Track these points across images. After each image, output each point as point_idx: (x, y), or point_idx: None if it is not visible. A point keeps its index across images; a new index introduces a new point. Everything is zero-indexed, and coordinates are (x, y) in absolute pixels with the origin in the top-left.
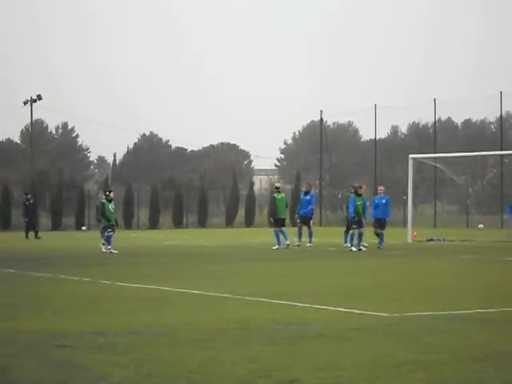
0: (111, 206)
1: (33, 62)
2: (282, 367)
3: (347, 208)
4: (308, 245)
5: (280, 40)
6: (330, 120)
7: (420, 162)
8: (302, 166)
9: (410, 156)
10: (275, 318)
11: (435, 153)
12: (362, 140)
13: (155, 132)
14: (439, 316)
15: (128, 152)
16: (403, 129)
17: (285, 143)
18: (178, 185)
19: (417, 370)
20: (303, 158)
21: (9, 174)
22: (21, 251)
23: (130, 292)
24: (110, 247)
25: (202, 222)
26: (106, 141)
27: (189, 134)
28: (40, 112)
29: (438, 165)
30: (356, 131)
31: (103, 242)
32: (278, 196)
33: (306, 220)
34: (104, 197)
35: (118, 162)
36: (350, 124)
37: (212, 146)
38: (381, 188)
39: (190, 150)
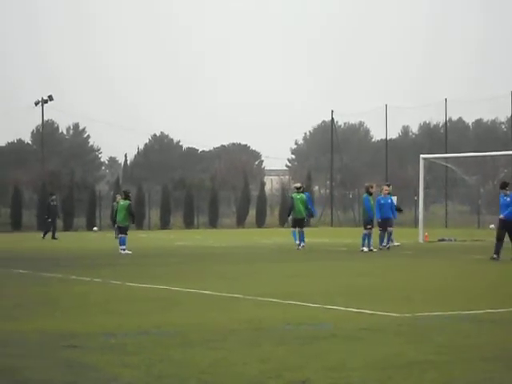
0: None
1: (44, 62)
2: (293, 367)
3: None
4: (301, 245)
5: (290, 41)
6: (340, 120)
7: (431, 162)
8: (312, 167)
9: (421, 156)
10: (286, 318)
11: (446, 153)
12: (373, 140)
13: (166, 132)
14: (450, 316)
15: (139, 152)
16: (414, 129)
17: (296, 143)
18: (189, 185)
19: (427, 369)
20: (314, 158)
21: (20, 174)
22: (31, 252)
23: (140, 292)
24: (124, 247)
25: (213, 223)
26: (117, 141)
27: (200, 134)
28: (51, 113)
29: (449, 165)
30: (367, 131)
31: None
32: (297, 196)
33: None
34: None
35: (129, 162)
36: (360, 124)
37: (223, 146)
38: (385, 188)
39: (200, 150)
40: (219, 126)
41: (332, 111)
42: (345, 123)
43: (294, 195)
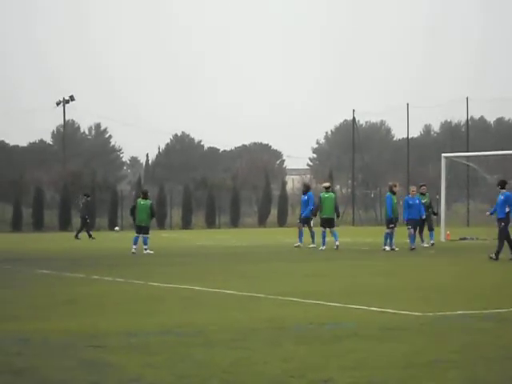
0: None
1: (65, 63)
2: (315, 367)
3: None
4: (311, 245)
5: (314, 41)
6: (362, 119)
7: (452, 160)
8: (334, 166)
9: (443, 155)
10: (308, 317)
11: (468, 151)
12: (395, 139)
13: (187, 132)
14: (472, 315)
15: (160, 152)
16: (436, 127)
17: (317, 143)
18: (211, 185)
19: (450, 368)
20: (335, 157)
21: (41, 175)
22: (54, 252)
23: (162, 292)
24: (146, 247)
25: (235, 222)
26: (139, 141)
27: (221, 134)
28: (72, 113)
29: (470, 163)
30: (388, 130)
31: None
32: (326, 195)
33: (305, 221)
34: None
35: (150, 162)
36: (382, 123)
37: (244, 145)
38: (413, 189)
39: (222, 150)
40: (241, 125)
41: (353, 110)
42: (366, 122)
43: (323, 194)
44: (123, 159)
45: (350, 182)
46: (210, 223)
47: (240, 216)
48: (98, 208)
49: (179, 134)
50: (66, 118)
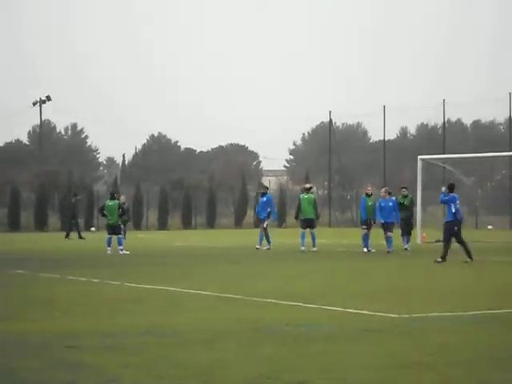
0: None
1: (42, 62)
2: (292, 368)
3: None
4: (264, 247)
5: (289, 42)
6: (338, 121)
7: (429, 163)
8: (310, 167)
9: (419, 157)
10: (284, 319)
11: (444, 154)
12: (371, 141)
13: (164, 133)
14: (448, 317)
15: (137, 153)
16: (412, 130)
17: (294, 144)
18: (187, 186)
19: (425, 371)
20: (312, 158)
21: (17, 175)
22: (29, 252)
23: (139, 293)
24: (120, 247)
25: (211, 223)
26: (115, 142)
27: (197, 135)
28: (48, 113)
29: (446, 166)
30: (365, 132)
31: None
32: (305, 196)
33: (260, 221)
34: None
35: (126, 162)
36: (358, 125)
37: (221, 146)
38: (382, 190)
39: (198, 150)
40: (217, 126)
41: (330, 112)
42: (343, 124)
43: (302, 196)
44: (99, 159)
45: (326, 183)
46: (187, 224)
47: (216, 217)
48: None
49: (156, 135)
50: (43, 118)
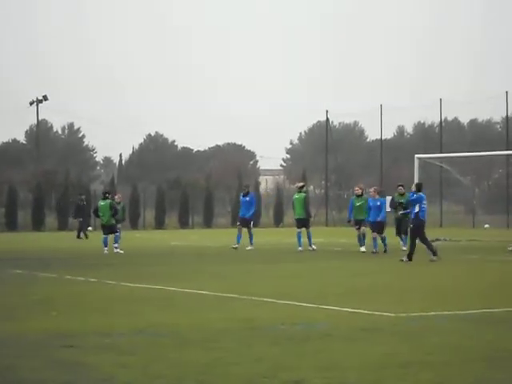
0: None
1: (38, 62)
2: (288, 367)
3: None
4: (248, 247)
5: (285, 39)
6: (335, 120)
7: (426, 162)
8: (307, 166)
9: (416, 156)
10: (281, 318)
11: (441, 153)
12: (368, 140)
13: (161, 132)
14: (445, 316)
15: (134, 152)
16: (409, 129)
17: (291, 143)
18: (184, 185)
19: (422, 370)
20: (309, 158)
21: (14, 174)
22: (26, 252)
23: (135, 292)
24: (115, 245)
25: (208, 223)
26: (112, 141)
27: (195, 134)
28: (45, 113)
29: (443, 165)
30: (362, 131)
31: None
32: (296, 196)
33: (245, 222)
34: (103, 197)
35: (123, 162)
36: (355, 124)
37: (218, 146)
38: (371, 190)
39: (195, 150)
40: (214, 125)
41: (327, 111)
42: (340, 123)
43: (294, 195)
44: (96, 159)
45: (323, 182)
46: (183, 223)
47: (213, 216)
48: (70, 208)
49: (153, 134)
50: (40, 118)
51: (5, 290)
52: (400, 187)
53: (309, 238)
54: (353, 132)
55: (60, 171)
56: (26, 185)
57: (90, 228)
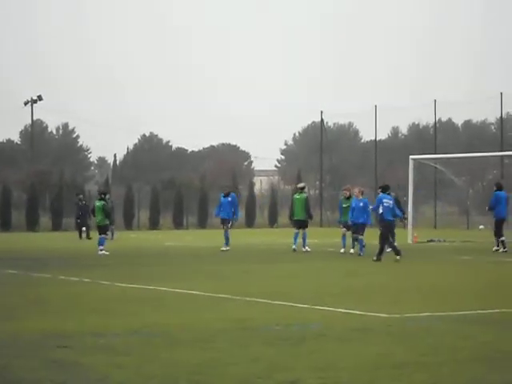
0: None
1: (33, 62)
2: (283, 368)
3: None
4: (222, 248)
5: (281, 40)
6: (330, 121)
7: (420, 162)
8: (302, 167)
9: (411, 157)
10: (275, 318)
11: (435, 154)
12: (363, 141)
13: (155, 133)
14: (439, 317)
15: (128, 153)
16: (403, 130)
17: (285, 144)
18: (179, 185)
19: (417, 370)
20: (303, 158)
21: (9, 174)
22: (20, 252)
23: (129, 293)
24: (102, 248)
25: (202, 223)
26: (107, 141)
27: (189, 134)
28: (40, 113)
29: (438, 166)
30: (356, 132)
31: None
32: (297, 196)
33: (225, 222)
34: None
35: (118, 162)
36: (350, 125)
37: (212, 146)
38: (355, 190)
39: (190, 150)
40: (208, 126)
41: (321, 112)
42: (334, 124)
43: (294, 196)
44: (91, 159)
45: (317, 183)
46: (178, 224)
47: (208, 217)
48: (65, 208)
49: (147, 135)
50: (34, 118)
51: None
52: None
53: (304, 239)
54: (347, 133)
55: (54, 171)
56: (21, 185)
57: (84, 229)
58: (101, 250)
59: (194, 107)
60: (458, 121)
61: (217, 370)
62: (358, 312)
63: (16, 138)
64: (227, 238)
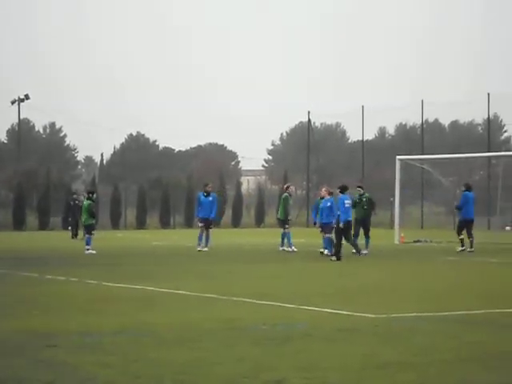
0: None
1: (21, 61)
2: (269, 367)
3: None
4: (204, 249)
5: (270, 41)
6: (317, 121)
7: (407, 163)
8: (289, 167)
9: (398, 157)
10: (262, 318)
11: (422, 154)
12: (350, 141)
13: (142, 132)
14: (425, 317)
15: (115, 152)
16: (390, 130)
17: (272, 144)
18: (165, 185)
19: (403, 370)
20: (291, 158)
21: None
22: (7, 251)
23: (116, 292)
24: (88, 247)
25: (189, 223)
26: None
27: (176, 134)
28: (27, 112)
29: (425, 166)
30: (343, 132)
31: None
32: (283, 196)
33: (208, 223)
34: (87, 196)
35: (105, 161)
36: (337, 125)
37: (199, 146)
38: (322, 190)
39: (177, 150)
40: (196, 126)
41: (309, 112)
42: (321, 124)
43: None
44: (78, 158)
45: (304, 183)
46: (165, 223)
47: (195, 216)
48: (52, 207)
49: (134, 134)
50: (21, 117)
51: None
52: (359, 188)
53: (288, 238)
54: (335, 133)
55: (41, 170)
56: (7, 184)
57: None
58: (87, 250)
59: (181, 107)
60: (445, 121)
61: (203, 369)
62: (344, 312)
63: (3, 137)
64: (208, 237)
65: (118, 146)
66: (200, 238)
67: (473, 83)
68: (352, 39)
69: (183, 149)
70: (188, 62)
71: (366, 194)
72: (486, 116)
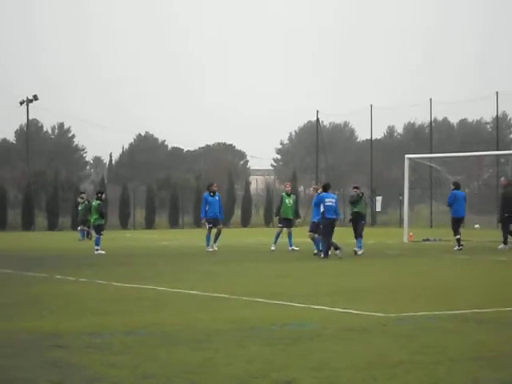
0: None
1: (29, 62)
2: (279, 367)
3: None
4: (213, 248)
5: (278, 41)
6: (326, 120)
7: (416, 162)
8: (298, 167)
9: (406, 156)
10: (272, 318)
11: (431, 153)
12: (358, 140)
13: (151, 132)
14: (435, 316)
15: (124, 152)
16: (399, 129)
17: (281, 143)
18: (174, 185)
19: (412, 370)
20: (299, 158)
21: (4, 173)
22: (17, 251)
23: (126, 292)
24: (98, 248)
25: (198, 222)
26: (102, 141)
27: (185, 134)
28: (36, 112)
29: (433, 165)
30: (352, 131)
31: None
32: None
33: (216, 222)
34: (96, 197)
35: (113, 162)
36: (346, 124)
37: (208, 146)
38: (311, 189)
39: (185, 150)
40: (204, 125)
41: (317, 111)
42: (330, 123)
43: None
44: (86, 159)
45: (313, 182)
46: (174, 223)
47: (201, 218)
48: (61, 207)
49: (143, 134)
50: (30, 118)
51: None
52: (355, 189)
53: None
54: (343, 132)
55: (50, 171)
56: (16, 185)
57: (79, 228)
58: (97, 250)
59: (189, 106)
60: (454, 120)
61: (213, 369)
62: (353, 311)
63: (11, 138)
64: (209, 238)
65: (126, 147)
66: (208, 238)
67: (481, 82)
68: (361, 39)
69: (192, 149)
70: (197, 63)
71: (357, 191)
72: (495, 114)
